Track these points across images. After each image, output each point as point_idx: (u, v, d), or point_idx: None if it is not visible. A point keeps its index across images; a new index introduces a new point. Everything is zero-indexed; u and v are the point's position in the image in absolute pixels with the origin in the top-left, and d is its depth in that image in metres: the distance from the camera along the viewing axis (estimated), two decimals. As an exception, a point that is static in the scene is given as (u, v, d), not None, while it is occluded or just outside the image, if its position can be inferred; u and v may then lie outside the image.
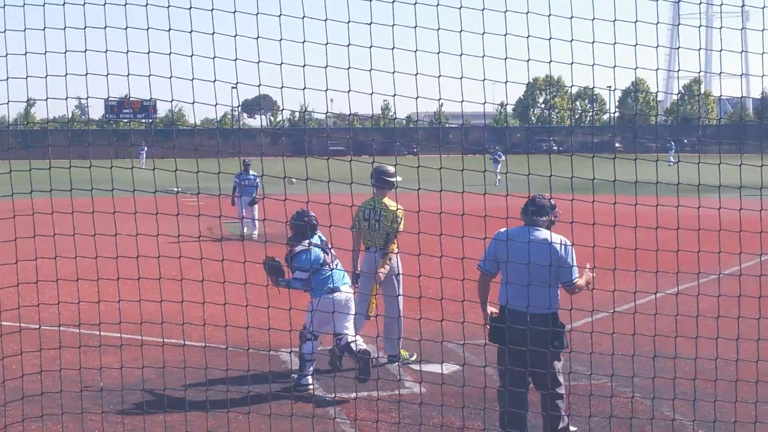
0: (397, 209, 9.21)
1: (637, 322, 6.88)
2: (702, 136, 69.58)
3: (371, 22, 6.24)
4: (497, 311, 6.75)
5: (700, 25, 10.04)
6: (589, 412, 6.85)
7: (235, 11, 6.31)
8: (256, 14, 6.38)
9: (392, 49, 6.11)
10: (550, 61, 6.34)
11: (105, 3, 6.50)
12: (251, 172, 21.09)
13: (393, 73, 6.13)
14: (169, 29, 6.30)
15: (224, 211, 9.94)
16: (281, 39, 6.25)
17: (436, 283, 7.41)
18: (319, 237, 8.68)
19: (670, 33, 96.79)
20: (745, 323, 6.70)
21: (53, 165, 6.45)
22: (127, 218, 6.60)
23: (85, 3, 6.50)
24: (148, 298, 7.07)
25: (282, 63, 6.17)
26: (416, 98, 6.25)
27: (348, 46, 6.21)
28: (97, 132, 63.47)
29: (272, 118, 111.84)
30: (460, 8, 6.37)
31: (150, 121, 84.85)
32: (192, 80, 6.22)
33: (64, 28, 6.38)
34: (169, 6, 6.49)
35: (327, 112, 7.56)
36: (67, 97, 6.55)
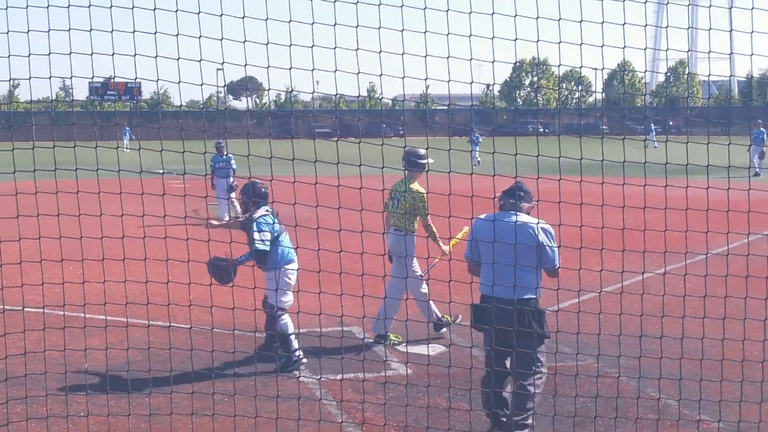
0: (418, 192, 9.20)
1: (624, 302, 6.89)
2: (690, 116, 69.78)
3: (357, 1, 6.19)
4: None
5: (689, 4, 10.00)
6: (575, 393, 6.86)
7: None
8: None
9: (378, 28, 6.05)
10: (538, 41, 6.29)
11: (88, -21, 6.42)
12: (225, 154, 21.03)
13: (379, 52, 6.08)
14: (155, 8, 6.24)
15: (210, 193, 9.87)
16: (267, 18, 6.21)
17: (423, 263, 7.44)
18: (270, 209, 8.69)
19: (656, 12, 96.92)
20: (732, 303, 6.71)
21: (37, 146, 6.38)
22: (113, 199, 6.55)
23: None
24: (133, 279, 7.03)
25: (268, 42, 6.12)
26: (402, 78, 6.22)
27: (334, 25, 6.16)
28: (82, 113, 63.07)
29: (258, 100, 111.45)
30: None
31: (135, 101, 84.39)
32: (178, 60, 6.17)
33: (47, 7, 6.30)
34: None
35: (313, 92, 7.47)
36: (50, 76, 6.48)
